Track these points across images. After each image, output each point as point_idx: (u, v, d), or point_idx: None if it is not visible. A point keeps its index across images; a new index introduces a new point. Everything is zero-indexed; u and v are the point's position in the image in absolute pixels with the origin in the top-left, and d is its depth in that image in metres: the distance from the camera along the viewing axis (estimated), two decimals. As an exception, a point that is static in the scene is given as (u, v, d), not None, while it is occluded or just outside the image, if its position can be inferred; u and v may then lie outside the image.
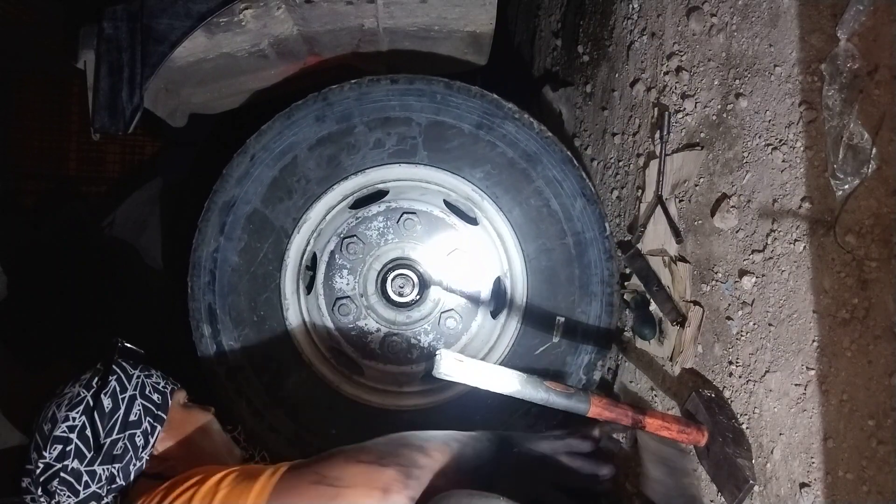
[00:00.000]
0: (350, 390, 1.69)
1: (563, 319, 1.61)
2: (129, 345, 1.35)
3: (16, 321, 2.20)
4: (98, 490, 1.16)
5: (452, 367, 1.15)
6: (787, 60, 1.10)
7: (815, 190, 1.02)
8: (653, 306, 1.50)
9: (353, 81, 1.59)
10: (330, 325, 1.74)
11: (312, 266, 1.74)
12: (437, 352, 1.16)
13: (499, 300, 1.74)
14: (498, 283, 1.74)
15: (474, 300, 1.75)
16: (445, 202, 1.72)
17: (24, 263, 2.38)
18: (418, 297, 1.74)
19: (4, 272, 2.25)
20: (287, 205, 1.62)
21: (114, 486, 1.17)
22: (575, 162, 1.61)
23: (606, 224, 1.62)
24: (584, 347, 1.62)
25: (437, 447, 1.10)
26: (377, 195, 1.72)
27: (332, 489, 1.00)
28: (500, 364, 1.61)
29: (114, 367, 1.26)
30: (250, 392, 1.63)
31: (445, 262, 1.74)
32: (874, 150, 0.92)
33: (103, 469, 1.16)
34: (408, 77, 1.58)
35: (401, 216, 1.72)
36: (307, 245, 1.69)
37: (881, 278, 0.89)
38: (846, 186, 0.95)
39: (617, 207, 1.75)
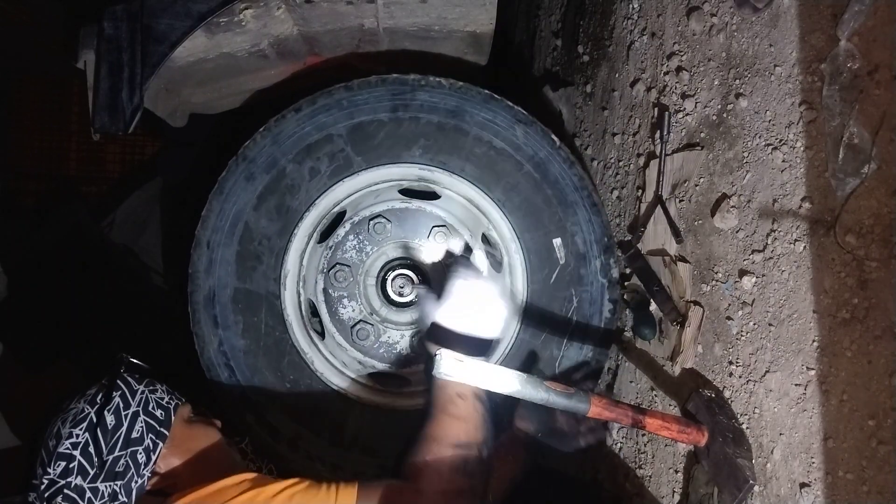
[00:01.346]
0: (405, 402, 1.68)
1: (559, 240, 1.60)
2: (134, 360, 1.36)
3: (16, 321, 2.20)
4: None
5: (452, 367, 1.15)
6: (787, 60, 1.10)
7: (815, 190, 1.02)
8: (653, 306, 1.50)
9: (261, 129, 1.58)
10: (357, 354, 1.73)
11: (316, 311, 1.74)
12: (438, 352, 1.16)
13: (495, 250, 1.73)
14: (486, 239, 1.74)
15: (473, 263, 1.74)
16: (402, 191, 1.72)
17: (25, 264, 2.38)
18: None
19: (4, 272, 2.25)
20: (261, 270, 1.61)
21: (116, 502, 1.19)
22: (496, 96, 1.59)
23: (553, 137, 1.60)
24: (591, 255, 1.61)
25: (482, 481, 1.18)
26: (339, 218, 1.71)
27: None
28: (526, 305, 1.63)
29: (118, 382, 1.27)
30: (320, 452, 1.63)
31: (430, 245, 1.73)
32: (874, 150, 0.92)
33: (105, 486, 1.18)
34: (308, 99, 1.58)
35: (368, 224, 1.71)
36: (299, 296, 1.68)
37: (881, 278, 0.89)
38: (846, 186, 0.95)
39: (617, 207, 1.75)
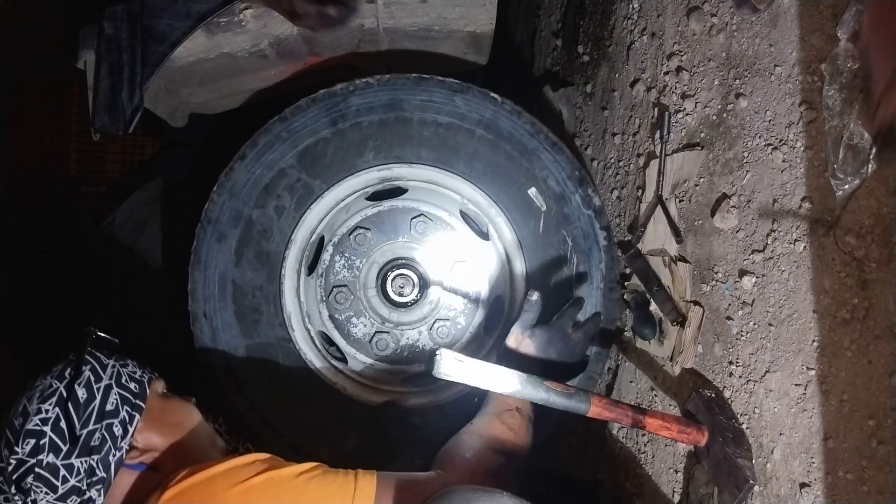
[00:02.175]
0: (445, 395, 1.67)
1: (533, 189, 1.57)
2: (102, 334, 1.31)
3: (16, 320, 2.20)
4: (77, 484, 1.12)
5: (452, 367, 1.15)
6: (787, 60, 1.10)
7: (815, 190, 1.02)
8: (653, 306, 1.50)
9: (215, 188, 1.57)
10: (384, 365, 1.73)
11: (331, 339, 1.74)
12: (438, 351, 1.16)
13: (478, 221, 1.72)
14: (465, 215, 1.73)
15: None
16: (370, 197, 1.72)
17: (24, 263, 2.38)
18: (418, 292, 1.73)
19: (4, 272, 2.25)
20: (264, 320, 1.62)
21: (94, 478, 1.13)
22: (424, 76, 1.58)
23: (493, 95, 1.58)
24: (568, 192, 1.59)
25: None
26: (320, 245, 1.71)
27: None
28: (526, 262, 1.63)
29: (87, 356, 1.21)
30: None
31: (414, 237, 1.72)
32: (874, 150, 0.92)
33: (81, 462, 1.12)
34: (248, 143, 1.56)
35: (349, 240, 1.70)
36: (309, 332, 1.69)
37: (881, 278, 0.89)
38: (846, 186, 0.95)
39: (617, 207, 1.75)
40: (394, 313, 1.73)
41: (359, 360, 1.72)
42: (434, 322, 1.73)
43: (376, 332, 1.72)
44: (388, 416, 1.64)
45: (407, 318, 1.74)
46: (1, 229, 2.60)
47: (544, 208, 1.60)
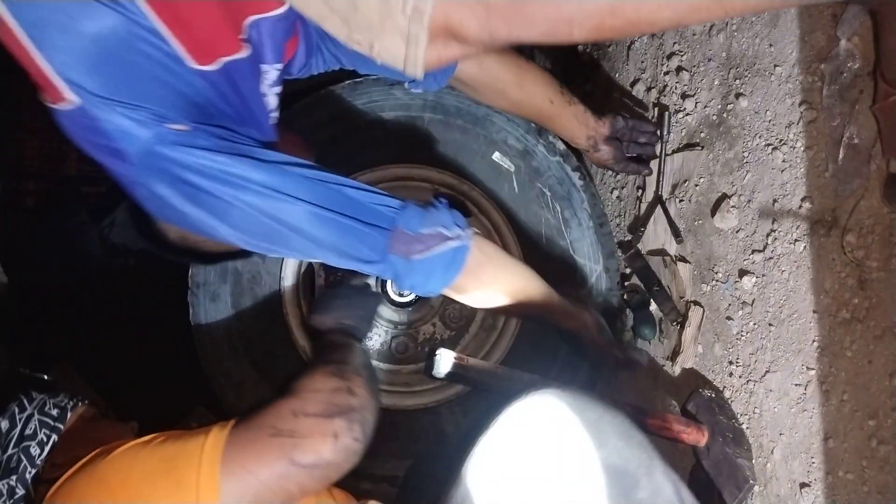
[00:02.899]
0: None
1: (497, 153, 1.56)
2: (35, 374, 1.37)
3: (16, 321, 2.20)
4: None
5: (452, 367, 1.16)
6: (787, 60, 1.10)
7: (815, 190, 1.02)
8: (653, 306, 1.50)
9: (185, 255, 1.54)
10: None
11: None
12: (437, 351, 1.16)
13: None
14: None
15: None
16: None
17: (24, 263, 2.38)
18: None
19: (4, 272, 2.25)
20: (281, 364, 1.60)
21: (14, 497, 1.21)
22: (358, 80, 1.56)
23: None
24: (530, 146, 1.58)
25: (359, 384, 1.17)
26: (311, 272, 1.67)
27: (291, 440, 1.05)
28: (513, 227, 1.62)
29: (18, 393, 1.28)
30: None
31: None
32: (874, 150, 0.92)
33: (3, 484, 1.20)
34: None
35: None
36: None
37: (881, 278, 0.89)
38: (846, 186, 0.95)
39: (617, 207, 1.75)
40: (402, 314, 1.73)
41: (384, 369, 1.70)
42: (444, 311, 1.72)
43: (392, 337, 1.72)
44: (429, 414, 1.64)
45: (417, 315, 1.73)
46: (1, 229, 2.60)
47: (513, 168, 1.60)
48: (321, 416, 1.08)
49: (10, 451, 1.22)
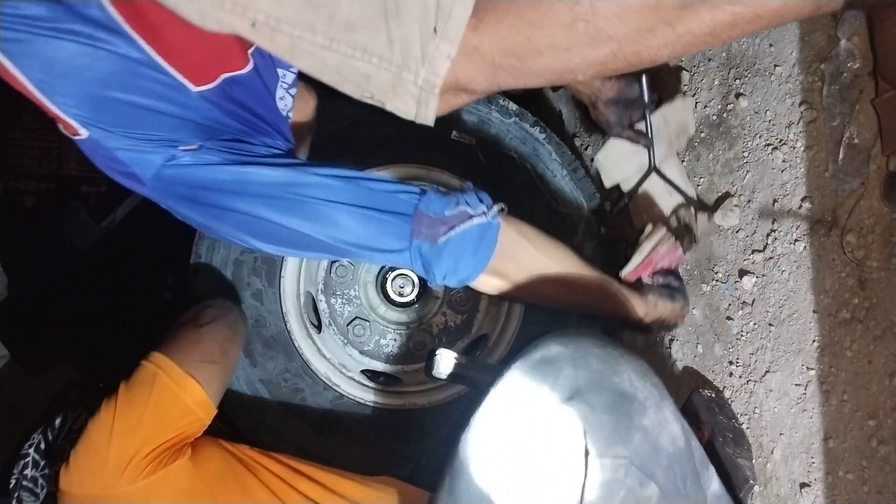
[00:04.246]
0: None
1: (454, 132, 1.56)
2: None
3: (16, 321, 2.20)
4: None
5: (452, 367, 1.15)
6: (787, 60, 1.10)
7: (815, 190, 1.02)
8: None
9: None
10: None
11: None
12: (437, 351, 1.16)
13: None
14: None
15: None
16: None
17: (24, 263, 2.38)
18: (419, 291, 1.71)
19: (4, 272, 2.25)
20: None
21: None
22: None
23: None
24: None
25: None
26: (311, 301, 1.69)
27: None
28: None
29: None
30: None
31: None
32: (874, 150, 0.92)
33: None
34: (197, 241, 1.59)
35: (331, 269, 1.68)
36: None
37: (881, 278, 0.89)
38: (846, 186, 0.96)
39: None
40: (411, 313, 1.72)
41: (410, 371, 1.69)
42: (451, 298, 1.72)
43: (408, 338, 1.70)
44: (461, 402, 1.62)
45: (424, 310, 1.72)
46: (1, 229, 2.60)
47: (474, 141, 1.57)
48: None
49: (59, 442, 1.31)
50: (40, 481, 1.29)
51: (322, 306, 1.68)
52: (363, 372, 1.67)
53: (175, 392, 1.19)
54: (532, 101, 2.40)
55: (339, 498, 1.22)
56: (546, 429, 0.91)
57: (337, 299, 1.69)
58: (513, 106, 1.55)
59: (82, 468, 1.14)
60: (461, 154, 1.56)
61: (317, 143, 1.52)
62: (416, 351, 1.70)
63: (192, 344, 1.29)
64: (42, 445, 1.31)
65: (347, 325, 1.68)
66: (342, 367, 1.65)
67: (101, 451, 1.13)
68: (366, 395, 1.63)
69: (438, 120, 1.59)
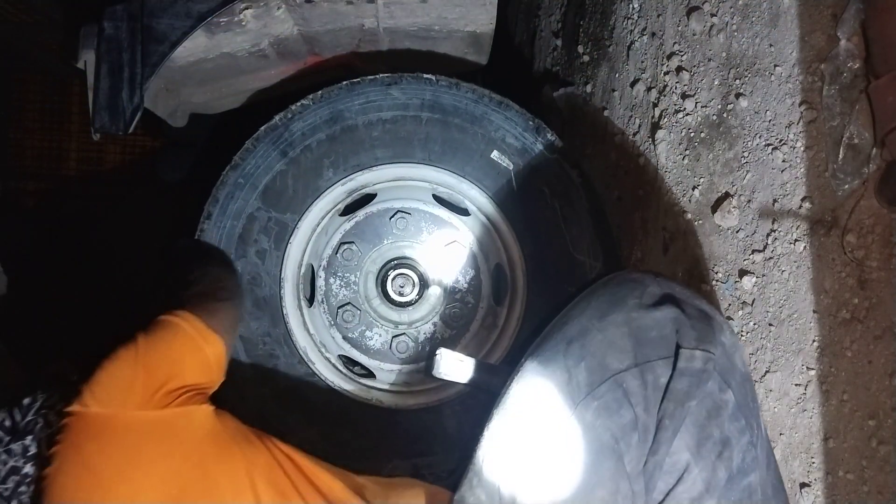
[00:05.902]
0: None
1: (495, 152, 1.58)
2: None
3: (16, 320, 2.20)
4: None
5: (452, 367, 1.16)
6: (787, 60, 1.10)
7: (815, 190, 1.02)
8: None
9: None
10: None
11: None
12: (437, 351, 1.16)
13: (453, 201, 1.71)
14: (438, 198, 1.73)
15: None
16: (343, 213, 1.71)
17: (24, 263, 2.38)
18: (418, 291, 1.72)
19: (4, 272, 2.25)
20: (283, 360, 1.64)
21: (29, 453, 1.22)
22: (355, 80, 1.58)
23: (424, 75, 1.58)
24: (528, 143, 1.59)
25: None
26: (311, 273, 1.70)
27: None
28: (514, 228, 1.63)
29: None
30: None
31: (395, 234, 1.71)
32: (874, 150, 0.92)
33: (17, 445, 1.20)
34: (210, 200, 1.59)
35: (336, 258, 1.69)
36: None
37: (881, 278, 0.89)
38: (846, 186, 0.96)
39: (617, 208, 1.75)
40: (403, 314, 1.73)
41: (385, 370, 1.70)
42: (444, 309, 1.72)
43: (392, 337, 1.71)
44: (430, 413, 1.64)
45: (418, 315, 1.73)
46: (1, 229, 2.60)
47: (511, 166, 1.60)
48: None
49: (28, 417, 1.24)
50: (2, 456, 1.23)
51: (320, 282, 1.69)
52: (341, 357, 1.68)
53: (198, 344, 1.18)
54: (531, 99, 2.41)
55: (360, 500, 1.20)
56: (567, 426, 0.93)
57: (336, 280, 1.70)
58: (559, 143, 1.58)
59: (110, 385, 1.09)
60: (496, 175, 1.60)
61: (360, 126, 1.58)
62: (397, 352, 1.70)
63: (212, 311, 1.28)
64: (7, 423, 1.25)
65: (339, 307, 1.69)
66: (322, 345, 1.66)
67: (128, 372, 1.10)
68: (337, 379, 1.64)
69: (482, 137, 1.60)
